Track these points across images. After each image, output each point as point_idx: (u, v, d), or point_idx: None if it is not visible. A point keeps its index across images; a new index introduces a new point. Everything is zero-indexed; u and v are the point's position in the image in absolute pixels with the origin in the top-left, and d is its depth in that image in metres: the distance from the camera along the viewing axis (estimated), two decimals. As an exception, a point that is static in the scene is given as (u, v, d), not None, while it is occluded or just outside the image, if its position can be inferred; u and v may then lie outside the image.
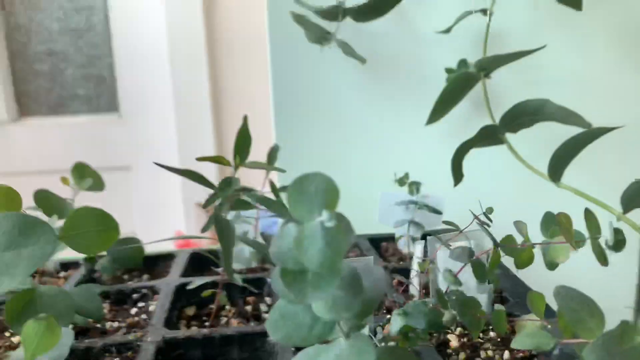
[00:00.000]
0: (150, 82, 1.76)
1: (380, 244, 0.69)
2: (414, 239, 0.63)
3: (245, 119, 0.54)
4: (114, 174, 1.81)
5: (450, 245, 0.40)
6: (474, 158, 0.70)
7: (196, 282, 0.51)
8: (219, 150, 1.75)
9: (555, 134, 0.66)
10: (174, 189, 1.76)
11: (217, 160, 0.49)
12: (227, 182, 0.48)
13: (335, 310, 0.24)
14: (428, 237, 0.46)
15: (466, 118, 0.81)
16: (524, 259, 0.34)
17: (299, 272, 0.23)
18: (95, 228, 0.45)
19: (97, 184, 0.62)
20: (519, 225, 0.36)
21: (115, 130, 1.82)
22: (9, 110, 1.77)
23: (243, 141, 0.52)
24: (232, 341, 0.46)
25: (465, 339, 0.45)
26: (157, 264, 0.65)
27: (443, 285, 0.42)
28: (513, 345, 0.31)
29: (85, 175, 0.61)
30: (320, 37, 0.66)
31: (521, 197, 0.78)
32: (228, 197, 0.49)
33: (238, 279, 0.49)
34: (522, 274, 0.59)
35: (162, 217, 1.71)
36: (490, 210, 0.42)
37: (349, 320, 0.25)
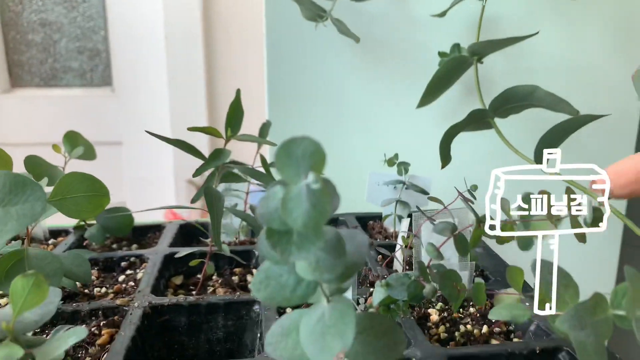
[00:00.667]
0: (144, 57, 1.74)
1: (367, 222, 0.70)
2: (400, 218, 0.64)
3: (238, 92, 0.54)
4: (105, 148, 1.81)
5: (435, 221, 0.41)
6: (463, 142, 0.71)
7: (183, 251, 0.51)
8: (212, 124, 1.75)
9: (542, 119, 0.67)
10: (165, 165, 1.75)
11: (209, 131, 0.50)
12: (218, 153, 0.49)
13: (318, 271, 0.25)
14: (414, 214, 0.46)
15: (458, 102, 0.82)
16: (503, 237, 0.35)
17: (284, 233, 0.24)
18: (86, 193, 0.45)
19: (89, 153, 0.62)
20: (503, 202, 0.37)
21: (108, 104, 1.80)
22: (1, 81, 1.75)
23: (235, 113, 0.52)
24: (218, 309, 0.47)
25: (445, 314, 0.46)
26: (145, 234, 0.66)
27: (426, 259, 0.42)
28: (490, 316, 0.32)
29: (77, 143, 0.61)
30: (315, 14, 0.66)
31: (507, 182, 0.79)
32: (218, 168, 0.50)
33: (226, 249, 0.50)
34: (504, 255, 0.61)
35: (153, 193, 1.71)
36: (474, 187, 0.43)
37: (331, 282, 0.26)
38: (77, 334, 0.30)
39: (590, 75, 0.80)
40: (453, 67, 0.72)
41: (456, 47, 0.74)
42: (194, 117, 1.70)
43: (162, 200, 1.68)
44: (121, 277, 0.54)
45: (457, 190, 0.42)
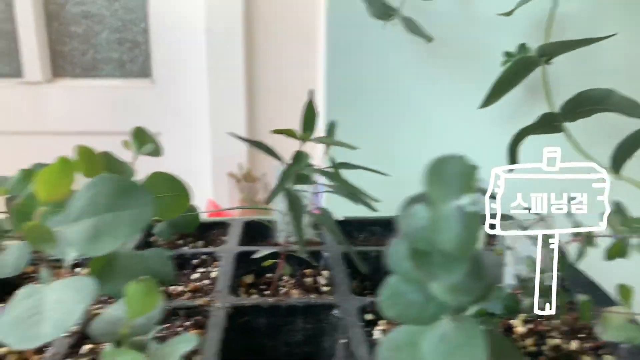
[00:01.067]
0: (184, 50, 1.75)
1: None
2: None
3: (311, 92, 0.54)
4: (143, 139, 1.82)
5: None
6: (524, 144, 0.70)
7: (261, 251, 0.51)
8: (250, 120, 1.75)
9: (610, 122, 0.65)
10: (203, 158, 1.77)
11: (288, 133, 0.50)
12: (299, 156, 0.49)
13: (456, 293, 0.24)
14: (502, 223, 0.46)
15: (518, 103, 0.80)
16: (616, 250, 0.34)
17: (425, 253, 0.23)
18: (170, 193, 0.46)
19: (157, 150, 0.62)
20: (610, 218, 0.36)
21: (147, 95, 1.82)
22: (43, 71, 1.78)
23: (309, 114, 0.52)
24: (297, 311, 0.47)
25: (530, 325, 0.46)
26: (210, 230, 0.66)
27: (512, 269, 0.42)
28: (604, 337, 0.31)
29: (145, 140, 0.61)
30: (384, 12, 0.65)
31: (570, 186, 0.77)
32: (293, 170, 0.49)
33: (304, 252, 0.50)
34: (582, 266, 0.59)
35: (191, 184, 1.72)
36: (573, 198, 0.42)
37: (467, 305, 0.26)
38: (187, 341, 0.30)
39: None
40: (520, 67, 0.70)
41: (523, 47, 0.72)
42: (232, 110, 1.70)
43: (201, 191, 1.69)
44: (195, 275, 0.54)
45: (552, 202, 0.41)
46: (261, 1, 1.64)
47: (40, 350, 0.41)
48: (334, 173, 0.52)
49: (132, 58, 1.80)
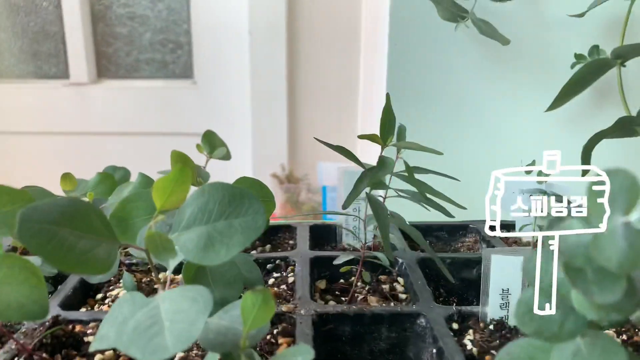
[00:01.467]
0: (226, 51, 1.76)
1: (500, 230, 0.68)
2: (540, 228, 0.61)
3: (388, 97, 0.53)
4: (186, 139, 1.84)
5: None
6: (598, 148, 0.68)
7: (342, 257, 0.51)
8: (291, 121, 1.75)
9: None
10: (245, 158, 1.78)
11: (372, 138, 0.49)
12: (383, 162, 0.48)
13: (610, 311, 0.23)
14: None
15: (585, 105, 0.78)
16: None
17: (583, 270, 0.22)
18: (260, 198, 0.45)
19: (227, 154, 0.62)
20: None
21: (189, 96, 1.84)
22: (89, 72, 1.81)
23: (388, 119, 0.51)
24: (382, 319, 0.46)
25: (624, 336, 0.44)
26: (276, 234, 0.66)
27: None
28: None
29: (216, 144, 0.62)
30: (456, 14, 0.64)
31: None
32: (382, 176, 0.49)
33: (391, 257, 0.49)
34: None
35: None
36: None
37: (615, 322, 0.25)
38: (305, 353, 0.30)
39: None
40: (592, 70, 0.68)
41: (595, 49, 0.70)
42: (274, 111, 1.71)
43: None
44: (271, 280, 0.54)
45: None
46: (304, 2, 1.64)
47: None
48: (414, 178, 0.51)
49: (174, 59, 1.82)
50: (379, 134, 0.50)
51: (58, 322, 0.42)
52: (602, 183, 0.21)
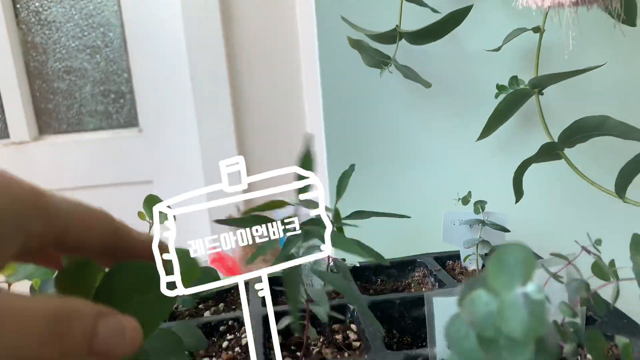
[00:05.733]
0: (170, 97, 1.76)
1: (446, 262, 0.71)
2: (482, 257, 0.64)
3: (308, 137, 0.54)
4: (135, 188, 1.82)
5: (561, 278, 0.41)
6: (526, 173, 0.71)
7: (284, 320, 0.52)
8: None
9: (600, 146, 0.67)
10: (198, 200, 1.76)
11: (280, 204, 0.50)
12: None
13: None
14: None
15: (513, 132, 0.82)
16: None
17: (495, 339, 0.24)
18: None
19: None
20: (635, 259, 0.37)
21: (136, 144, 1.82)
22: (30, 129, 1.77)
23: (306, 163, 0.53)
24: (335, 374, 0.47)
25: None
26: (229, 291, 0.66)
27: (552, 318, 0.43)
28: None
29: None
30: (379, 61, 0.67)
31: (571, 208, 0.79)
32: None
33: (323, 316, 0.50)
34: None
35: (188, 232, 1.72)
36: (599, 242, 0.43)
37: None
38: None
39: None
40: (514, 99, 0.73)
41: (514, 79, 0.74)
42: (224, 153, 1.71)
43: (200, 237, 1.69)
44: (224, 343, 0.54)
45: (580, 245, 0.42)
46: (244, 41, 1.66)
47: None
48: (339, 238, 0.53)
49: (117, 109, 1.81)
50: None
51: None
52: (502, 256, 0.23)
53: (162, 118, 1.75)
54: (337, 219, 0.56)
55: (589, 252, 0.41)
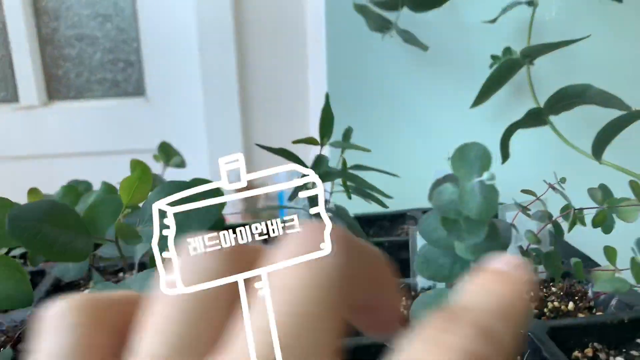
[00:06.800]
0: (177, 67, 1.80)
1: (434, 216, 0.76)
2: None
3: (327, 96, 0.59)
4: (141, 156, 1.86)
5: (529, 210, 0.46)
6: (513, 138, 0.77)
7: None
8: (246, 131, 1.81)
9: (592, 113, 0.72)
10: (201, 171, 1.81)
11: (309, 141, 0.56)
12: (319, 160, 0.55)
13: (478, 251, 0.30)
14: (500, 205, 0.52)
15: (506, 100, 0.87)
16: (600, 219, 0.41)
17: (454, 221, 0.29)
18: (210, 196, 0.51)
19: (183, 162, 0.68)
20: (593, 192, 0.42)
21: (142, 113, 1.86)
22: (39, 94, 1.82)
23: (326, 120, 0.58)
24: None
25: (531, 293, 0.52)
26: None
27: (519, 245, 0.48)
28: (596, 288, 0.37)
29: (172, 154, 0.67)
30: (382, 25, 0.72)
31: (557, 173, 0.84)
32: (319, 173, 0.55)
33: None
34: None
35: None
36: (563, 179, 0.48)
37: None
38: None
39: (634, 69, 0.85)
40: (506, 69, 0.77)
41: (508, 50, 0.79)
42: (228, 124, 1.76)
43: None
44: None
45: (547, 183, 0.48)
46: (252, 13, 1.70)
47: None
48: (352, 174, 0.58)
49: (125, 78, 1.85)
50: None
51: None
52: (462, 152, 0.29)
53: (169, 88, 1.79)
54: (344, 167, 0.61)
55: (554, 188, 0.47)
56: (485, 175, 0.27)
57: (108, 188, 0.52)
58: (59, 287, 0.55)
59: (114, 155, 1.86)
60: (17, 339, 0.43)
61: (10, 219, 0.32)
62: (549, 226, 0.44)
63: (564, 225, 0.49)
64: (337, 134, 0.70)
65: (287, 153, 0.56)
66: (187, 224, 0.39)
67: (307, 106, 1.70)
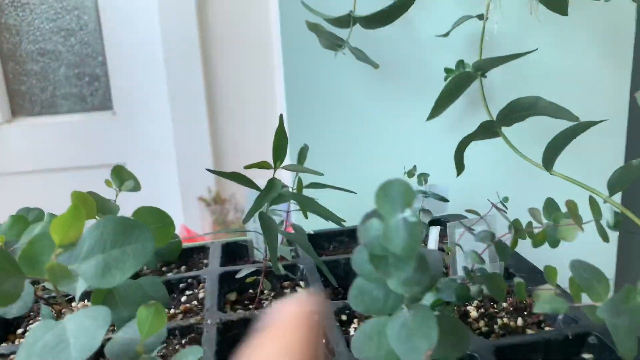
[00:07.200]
0: (144, 80, 1.78)
1: (393, 230, 0.77)
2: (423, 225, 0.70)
3: (281, 118, 0.59)
4: (109, 171, 1.84)
5: (473, 230, 0.47)
6: (470, 149, 0.77)
7: (243, 270, 0.57)
8: (215, 144, 1.80)
9: (543, 124, 0.73)
10: (172, 183, 1.80)
11: (261, 165, 0.55)
12: (271, 184, 0.54)
13: (408, 285, 0.30)
14: (448, 223, 0.53)
15: (462, 112, 0.88)
16: (539, 239, 0.41)
17: (382, 257, 0.29)
18: (156, 224, 0.51)
19: (137, 186, 0.67)
20: (533, 211, 0.43)
21: (110, 127, 1.84)
22: (2, 110, 1.78)
23: (280, 143, 0.58)
24: (281, 320, 0.53)
25: (482, 310, 0.53)
26: (191, 255, 0.71)
27: (465, 264, 0.49)
28: (535, 310, 0.38)
29: (125, 177, 0.66)
30: (334, 43, 0.72)
31: (513, 183, 0.85)
32: (270, 197, 0.55)
33: (281, 269, 0.56)
34: (523, 253, 0.67)
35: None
36: (506, 199, 0.49)
37: (418, 294, 0.32)
38: (194, 352, 0.36)
39: (583, 81, 0.87)
40: (459, 82, 0.78)
41: (461, 63, 0.80)
42: (197, 136, 1.75)
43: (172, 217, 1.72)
44: (183, 298, 0.59)
45: (491, 202, 0.48)
46: (216, 25, 1.69)
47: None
48: (304, 197, 0.58)
49: (92, 92, 1.82)
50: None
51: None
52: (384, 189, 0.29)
53: (136, 101, 1.77)
54: (299, 187, 0.61)
55: (498, 208, 0.47)
56: (408, 212, 0.28)
57: (15, 220, 0.51)
58: (5, 325, 0.54)
59: (82, 170, 1.83)
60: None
61: None
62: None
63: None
64: (294, 150, 0.70)
65: (239, 177, 0.55)
66: (123, 259, 0.38)
67: (274, 114, 1.70)
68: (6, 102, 1.79)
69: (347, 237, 0.75)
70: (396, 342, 0.33)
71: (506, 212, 0.47)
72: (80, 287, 0.39)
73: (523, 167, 0.72)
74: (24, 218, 0.61)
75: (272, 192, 0.53)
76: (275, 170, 0.57)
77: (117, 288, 0.47)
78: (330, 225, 0.64)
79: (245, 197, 0.69)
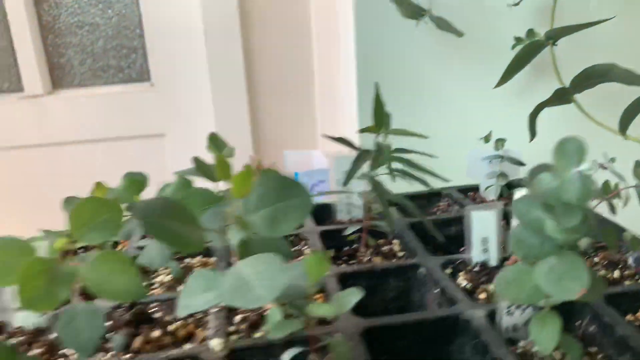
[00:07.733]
0: (182, 52, 1.80)
1: (467, 193, 0.80)
2: (502, 188, 0.74)
3: (376, 86, 0.62)
4: (148, 141, 1.88)
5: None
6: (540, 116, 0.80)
7: (350, 228, 0.61)
8: (253, 114, 1.82)
9: (613, 91, 0.76)
10: (209, 154, 1.83)
11: (370, 130, 0.59)
12: (381, 147, 0.58)
13: (572, 233, 0.34)
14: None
15: (526, 81, 0.91)
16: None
17: (554, 206, 0.33)
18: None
19: (232, 152, 0.71)
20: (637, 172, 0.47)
21: (148, 98, 1.86)
22: (43, 83, 1.81)
23: (380, 110, 0.61)
24: (390, 273, 0.57)
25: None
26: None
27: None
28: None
29: (220, 145, 0.70)
30: (415, 12, 0.75)
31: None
32: (377, 157, 0.59)
33: (392, 226, 0.60)
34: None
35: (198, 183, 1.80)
36: (613, 159, 0.52)
37: (576, 240, 0.36)
38: (355, 294, 0.40)
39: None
40: (530, 50, 0.81)
41: (531, 32, 0.82)
42: (236, 107, 1.77)
43: (215, 187, 1.76)
44: (289, 254, 0.64)
45: (598, 163, 0.52)
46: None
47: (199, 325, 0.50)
48: (408, 160, 0.62)
49: (129, 64, 1.85)
50: (358, 120, 0.60)
51: (134, 304, 0.50)
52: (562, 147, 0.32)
53: (174, 72, 1.79)
54: (387, 151, 0.65)
55: (605, 167, 0.51)
56: (583, 166, 0.31)
57: (183, 182, 0.55)
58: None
59: (121, 140, 1.87)
60: (123, 323, 0.47)
61: (142, 218, 0.35)
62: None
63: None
64: (364, 117, 0.73)
65: (345, 141, 0.59)
66: (287, 212, 0.42)
67: (312, 89, 1.72)
68: (47, 74, 1.82)
69: (425, 200, 0.79)
70: (546, 285, 0.37)
71: (613, 168, 0.50)
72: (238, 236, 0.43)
73: (588, 131, 0.75)
74: (137, 180, 0.65)
75: (383, 154, 0.57)
76: (377, 136, 0.61)
77: (252, 241, 0.51)
78: (407, 189, 0.68)
79: (334, 162, 0.73)
